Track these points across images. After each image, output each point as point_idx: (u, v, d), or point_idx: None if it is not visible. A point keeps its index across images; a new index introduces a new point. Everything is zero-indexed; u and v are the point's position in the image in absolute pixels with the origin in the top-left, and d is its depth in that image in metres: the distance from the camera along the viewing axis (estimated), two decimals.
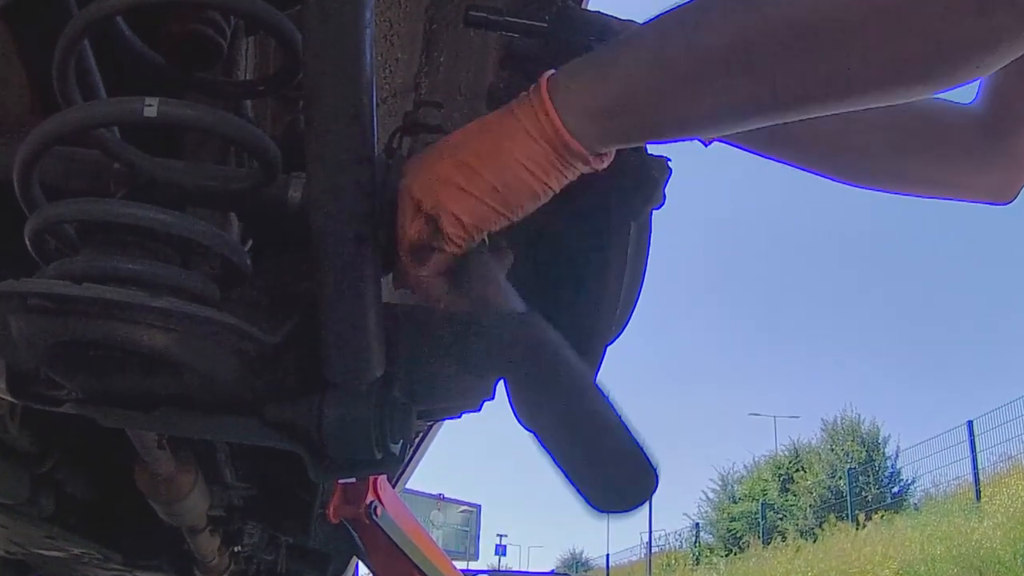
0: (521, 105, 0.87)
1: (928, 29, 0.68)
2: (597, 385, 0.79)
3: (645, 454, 0.76)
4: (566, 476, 0.77)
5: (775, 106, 0.78)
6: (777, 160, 1.23)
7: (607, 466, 0.77)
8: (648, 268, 1.14)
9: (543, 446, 0.78)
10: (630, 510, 0.77)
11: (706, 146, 1.18)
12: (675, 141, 0.88)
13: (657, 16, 0.84)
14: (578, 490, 0.76)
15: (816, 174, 1.25)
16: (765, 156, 1.22)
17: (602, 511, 0.78)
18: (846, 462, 22.82)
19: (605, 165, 0.90)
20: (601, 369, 1.11)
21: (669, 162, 1.01)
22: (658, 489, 0.77)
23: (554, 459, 0.77)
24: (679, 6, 0.83)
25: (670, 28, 0.81)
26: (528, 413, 0.81)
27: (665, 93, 0.81)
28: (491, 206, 0.87)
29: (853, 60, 0.71)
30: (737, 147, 1.20)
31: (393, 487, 3.78)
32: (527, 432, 0.86)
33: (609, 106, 0.84)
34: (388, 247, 0.95)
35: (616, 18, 1.16)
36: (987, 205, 1.23)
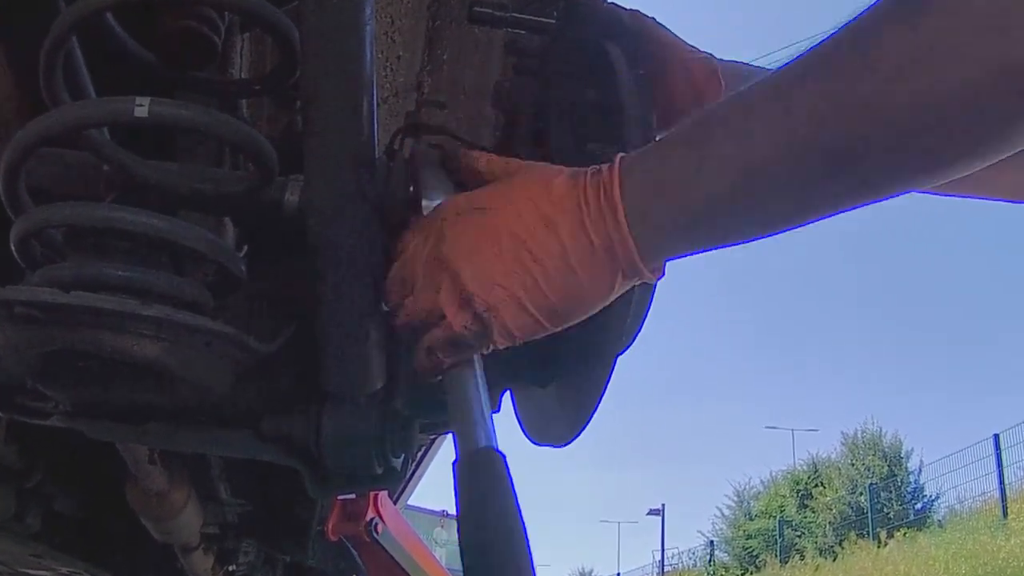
0: (592, 218, 0.83)
1: (1008, 104, 0.67)
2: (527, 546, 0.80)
3: None
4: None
5: (870, 197, 0.77)
6: None
7: None
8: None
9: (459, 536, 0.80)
10: None
11: None
12: (741, 244, 0.87)
13: (726, 110, 0.81)
14: None
15: None
16: None
17: None
18: (867, 477, 22.76)
19: (663, 276, 0.90)
20: (611, 381, 1.10)
21: None
22: None
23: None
24: (753, 93, 0.79)
25: (750, 132, 0.77)
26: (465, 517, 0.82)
27: (751, 203, 0.79)
28: (544, 325, 0.87)
29: (945, 147, 0.71)
30: None
31: (394, 503, 3.77)
32: (536, 446, 0.86)
33: (688, 225, 0.82)
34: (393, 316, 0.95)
35: (625, 9, 1.16)
36: (1009, 204, 1.22)
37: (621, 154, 0.85)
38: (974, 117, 0.68)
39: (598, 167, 0.85)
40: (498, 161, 0.96)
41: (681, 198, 0.80)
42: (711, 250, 0.87)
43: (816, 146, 0.73)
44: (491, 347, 0.89)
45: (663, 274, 0.89)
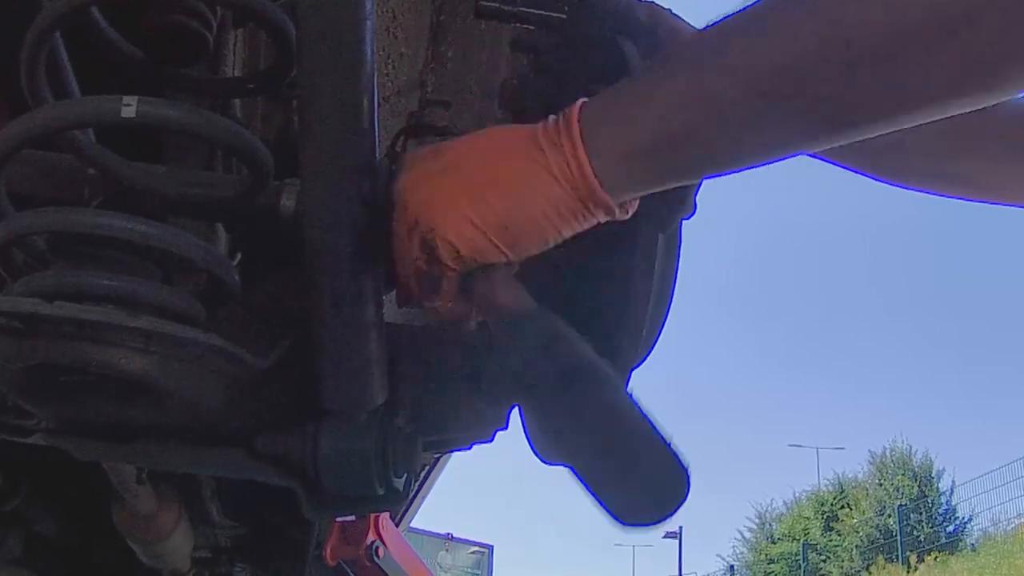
0: (549, 138, 0.85)
1: (1000, 36, 0.66)
2: (623, 390, 0.81)
3: (678, 458, 0.81)
4: (591, 491, 0.79)
5: (828, 136, 0.78)
6: (812, 156, 1.21)
7: (639, 478, 0.82)
8: (677, 285, 1.13)
9: (568, 466, 0.81)
10: (661, 521, 0.82)
11: None
12: (710, 178, 0.88)
13: (693, 41, 0.83)
14: (604, 505, 0.79)
15: (857, 173, 1.24)
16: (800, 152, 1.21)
17: (631, 525, 0.82)
18: (896, 498, 22.69)
19: (628, 216, 0.90)
20: None
21: None
22: (688, 496, 0.82)
23: (578, 475, 0.80)
24: (715, 28, 0.82)
25: (710, 58, 0.80)
26: (552, 436, 0.82)
27: (707, 133, 0.80)
28: (495, 243, 0.87)
29: (914, 77, 0.71)
30: None
31: (396, 525, 3.77)
32: (547, 466, 0.86)
33: (644, 150, 0.83)
34: (387, 264, 0.94)
35: (641, 2, 1.16)
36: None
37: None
38: (949, 47, 0.68)
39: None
40: None
41: (633, 123, 0.83)
42: (678, 184, 0.89)
43: (768, 75, 0.75)
44: (449, 268, 0.89)
45: (629, 213, 0.90)
